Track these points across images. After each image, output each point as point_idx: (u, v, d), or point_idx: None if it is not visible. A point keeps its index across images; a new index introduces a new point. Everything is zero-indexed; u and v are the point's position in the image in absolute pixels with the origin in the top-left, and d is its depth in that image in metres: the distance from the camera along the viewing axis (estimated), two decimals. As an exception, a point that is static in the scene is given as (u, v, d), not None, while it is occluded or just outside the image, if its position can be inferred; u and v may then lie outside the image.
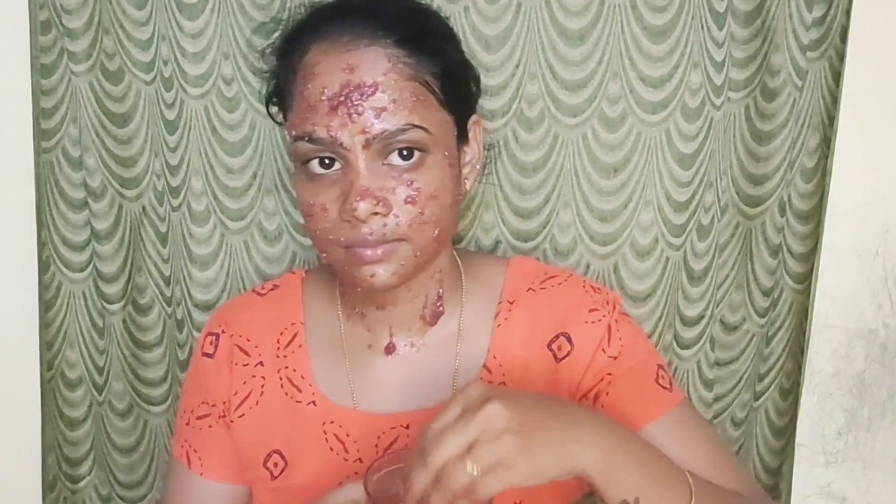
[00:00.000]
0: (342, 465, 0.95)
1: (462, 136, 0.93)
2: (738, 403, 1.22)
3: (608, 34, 1.08)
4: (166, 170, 1.13)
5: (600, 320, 0.96)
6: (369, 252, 0.86)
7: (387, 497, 0.80)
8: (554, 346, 0.96)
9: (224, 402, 0.99)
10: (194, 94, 1.10)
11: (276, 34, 0.96)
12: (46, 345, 1.21)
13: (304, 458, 0.96)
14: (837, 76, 1.12)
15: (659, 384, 0.96)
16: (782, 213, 1.16)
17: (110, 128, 1.13)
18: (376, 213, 0.85)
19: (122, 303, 1.19)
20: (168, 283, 1.18)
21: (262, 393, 0.98)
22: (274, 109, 0.96)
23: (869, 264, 1.24)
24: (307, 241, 1.15)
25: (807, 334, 1.22)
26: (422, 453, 0.74)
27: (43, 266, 1.18)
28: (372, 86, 0.85)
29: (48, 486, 1.25)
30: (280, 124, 0.96)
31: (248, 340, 1.00)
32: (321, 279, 1.03)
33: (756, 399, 1.23)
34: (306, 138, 0.86)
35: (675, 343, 1.18)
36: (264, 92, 0.98)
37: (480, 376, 0.96)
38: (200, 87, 1.10)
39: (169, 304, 1.19)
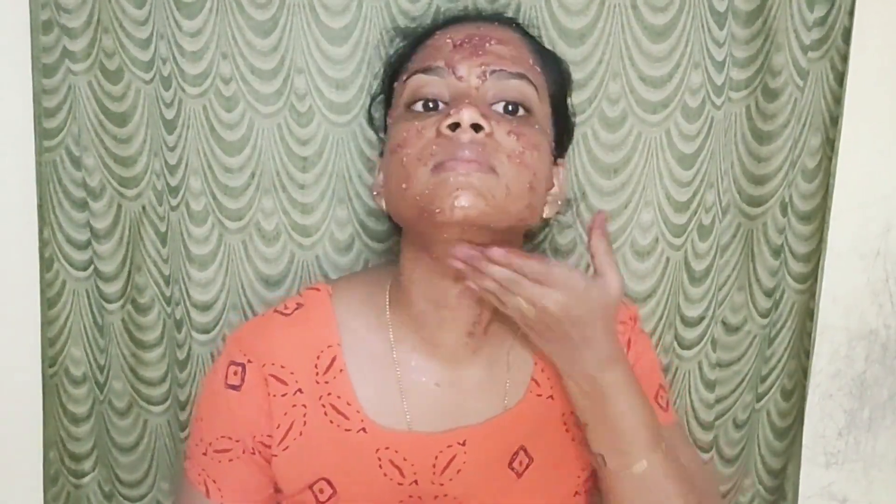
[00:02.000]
0: (396, 489, 0.94)
1: (558, 150, 0.97)
2: (740, 405, 1.22)
3: (608, 34, 1.08)
4: (165, 169, 1.13)
5: (623, 333, 0.99)
6: (461, 167, 0.83)
7: None
8: None
9: (254, 437, 0.94)
10: (192, 94, 1.09)
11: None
12: (49, 341, 1.21)
13: (355, 485, 0.94)
14: (839, 76, 1.12)
15: (657, 402, 0.99)
16: (784, 213, 1.15)
17: (109, 127, 1.12)
18: (478, 129, 0.85)
19: (121, 302, 1.18)
20: (168, 283, 1.18)
21: (304, 423, 0.94)
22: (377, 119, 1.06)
23: (870, 265, 1.24)
24: (306, 241, 1.15)
25: (812, 335, 1.21)
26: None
27: (46, 264, 1.18)
28: (498, 40, 0.92)
29: (50, 480, 1.25)
30: (374, 127, 1.07)
31: (282, 368, 0.94)
32: (356, 294, 0.99)
33: (758, 400, 1.23)
34: (423, 70, 0.90)
35: (675, 344, 1.18)
36: (376, 88, 1.07)
37: (529, 389, 0.97)
38: (199, 86, 1.09)
39: (169, 304, 1.18)
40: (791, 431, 1.24)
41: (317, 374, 0.95)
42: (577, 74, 1.09)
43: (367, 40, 1.09)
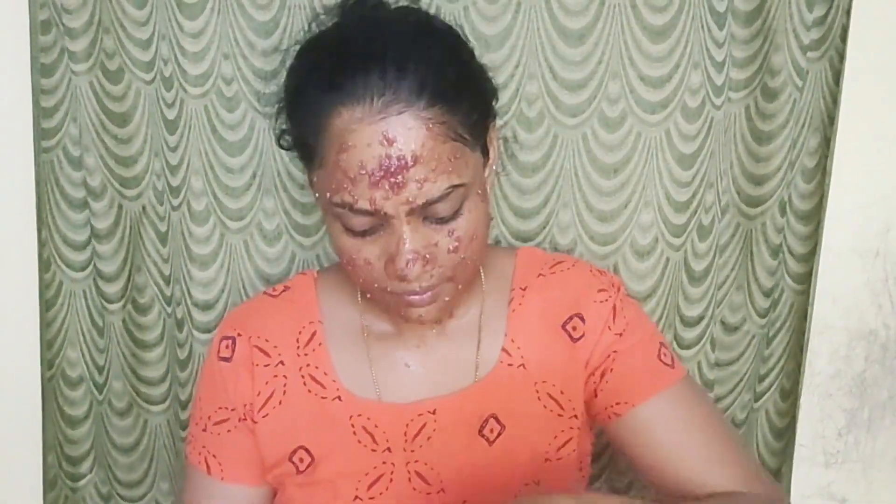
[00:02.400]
0: (370, 455, 0.97)
1: (486, 155, 0.94)
2: (738, 404, 1.22)
3: (608, 34, 1.08)
4: (166, 169, 1.13)
5: (607, 300, 1.00)
6: (417, 298, 0.90)
7: None
8: (569, 327, 0.99)
9: (245, 405, 0.99)
10: (194, 94, 1.10)
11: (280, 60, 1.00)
12: (47, 343, 1.21)
13: (331, 452, 0.97)
14: (838, 76, 1.12)
15: (661, 360, 0.99)
16: (783, 213, 1.16)
17: (110, 127, 1.13)
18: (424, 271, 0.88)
19: (122, 302, 1.19)
20: (168, 283, 1.18)
21: (284, 392, 0.98)
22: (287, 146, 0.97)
23: (869, 265, 1.24)
24: (307, 241, 1.15)
25: (806, 335, 1.22)
26: None
27: (44, 265, 1.18)
28: (413, 159, 0.84)
29: (48, 485, 1.25)
30: (289, 150, 0.95)
31: (266, 341, 0.99)
32: (336, 277, 1.03)
33: (756, 400, 1.23)
34: (346, 207, 0.86)
35: (675, 344, 1.18)
36: (274, 126, 0.97)
37: (500, 360, 0.98)
38: (200, 86, 1.09)
39: (169, 304, 1.19)
40: (789, 431, 1.24)
41: (298, 347, 0.99)
42: (576, 74, 1.09)
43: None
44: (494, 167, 0.97)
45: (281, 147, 0.97)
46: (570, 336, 0.99)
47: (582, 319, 0.99)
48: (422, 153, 0.84)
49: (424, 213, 0.87)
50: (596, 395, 0.99)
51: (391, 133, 0.83)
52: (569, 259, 1.04)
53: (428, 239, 0.87)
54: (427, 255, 0.87)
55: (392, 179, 0.84)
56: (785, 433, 1.24)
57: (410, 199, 0.85)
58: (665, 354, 0.99)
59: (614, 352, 0.98)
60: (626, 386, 0.97)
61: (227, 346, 1.00)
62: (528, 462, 0.98)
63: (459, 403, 0.97)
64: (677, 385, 0.98)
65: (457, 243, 0.88)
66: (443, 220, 0.88)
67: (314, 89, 0.87)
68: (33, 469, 1.26)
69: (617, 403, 0.97)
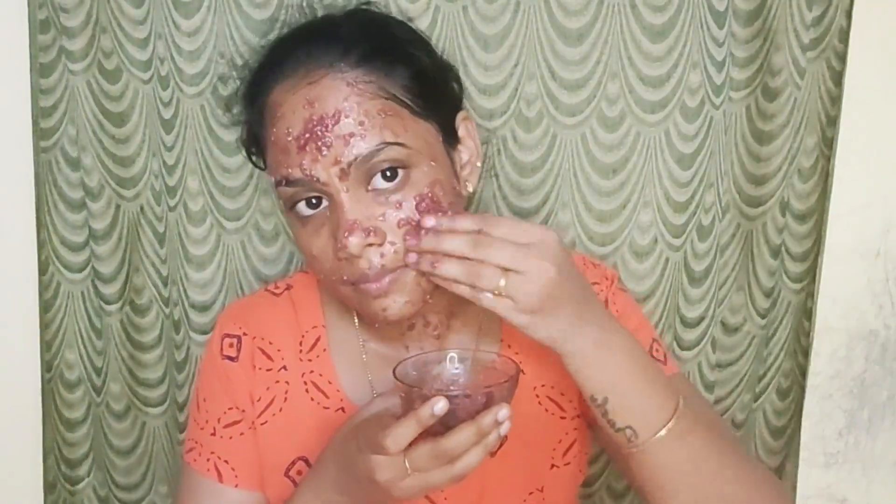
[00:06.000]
0: None
1: (451, 139, 0.91)
2: (738, 405, 1.21)
3: (607, 34, 1.08)
4: (163, 169, 1.13)
5: (599, 293, 0.96)
6: (374, 286, 0.84)
7: (414, 380, 0.82)
8: None
9: (250, 407, 0.96)
10: (190, 93, 1.09)
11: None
12: (45, 345, 1.20)
13: None
14: (836, 76, 1.12)
15: (653, 356, 0.96)
16: (783, 213, 1.15)
17: (108, 127, 1.12)
18: (370, 245, 0.83)
19: (120, 303, 1.18)
20: (166, 284, 1.17)
21: (285, 399, 0.95)
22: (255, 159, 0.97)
23: (870, 265, 1.24)
24: (304, 242, 1.15)
25: (810, 335, 1.21)
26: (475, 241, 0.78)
27: (42, 266, 1.18)
28: (334, 115, 0.83)
29: (48, 488, 1.25)
30: (262, 168, 0.94)
31: (270, 343, 0.96)
32: None
33: (755, 400, 1.22)
34: (283, 182, 0.85)
35: (675, 345, 1.17)
36: (241, 137, 0.97)
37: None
38: (196, 85, 1.09)
39: (167, 305, 1.18)
40: (787, 430, 1.24)
41: (301, 351, 0.96)
42: (575, 75, 1.09)
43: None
44: (480, 164, 0.93)
45: (252, 162, 0.97)
46: None
47: None
48: (344, 107, 0.83)
49: (363, 178, 0.83)
50: None
51: (312, 95, 0.84)
52: None
53: (371, 210, 0.83)
54: (371, 228, 0.83)
55: (317, 141, 0.82)
56: (783, 432, 1.24)
57: (339, 159, 0.82)
58: (657, 350, 0.97)
59: None
60: None
61: (231, 345, 0.96)
62: (534, 469, 0.96)
63: None
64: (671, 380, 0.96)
65: (405, 214, 0.83)
66: (387, 191, 0.84)
67: (260, 77, 0.90)
68: (34, 472, 1.25)
69: None
